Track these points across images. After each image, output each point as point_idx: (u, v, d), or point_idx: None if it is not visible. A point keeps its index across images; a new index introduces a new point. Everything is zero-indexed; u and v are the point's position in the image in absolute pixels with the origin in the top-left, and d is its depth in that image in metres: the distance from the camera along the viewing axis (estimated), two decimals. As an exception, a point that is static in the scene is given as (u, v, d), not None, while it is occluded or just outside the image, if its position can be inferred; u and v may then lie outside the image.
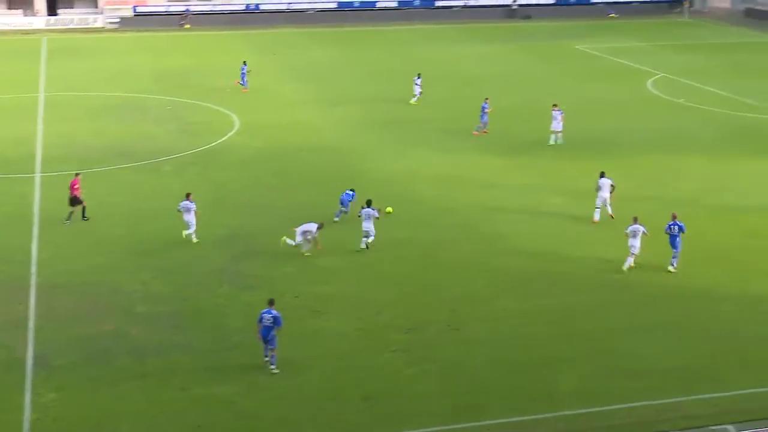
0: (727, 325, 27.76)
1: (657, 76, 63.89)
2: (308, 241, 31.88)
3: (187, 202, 33.74)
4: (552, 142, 46.05)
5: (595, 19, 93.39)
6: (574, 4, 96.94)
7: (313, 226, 31.83)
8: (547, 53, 73.95)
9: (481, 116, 48.28)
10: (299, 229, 31.88)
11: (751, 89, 59.45)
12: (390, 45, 78.06)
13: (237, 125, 50.28)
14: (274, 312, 24.87)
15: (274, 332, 24.77)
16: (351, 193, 35.73)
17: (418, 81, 55.81)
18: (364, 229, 32.73)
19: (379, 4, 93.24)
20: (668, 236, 31.28)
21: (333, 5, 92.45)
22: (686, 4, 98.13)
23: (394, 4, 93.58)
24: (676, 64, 68.43)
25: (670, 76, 64.16)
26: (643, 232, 31.22)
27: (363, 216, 32.80)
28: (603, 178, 35.98)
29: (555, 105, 46.79)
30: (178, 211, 33.76)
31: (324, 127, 50.31)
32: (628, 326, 27.63)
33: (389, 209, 35.97)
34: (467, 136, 47.95)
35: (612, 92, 58.61)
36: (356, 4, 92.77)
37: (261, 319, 24.94)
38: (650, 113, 53.47)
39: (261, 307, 25.65)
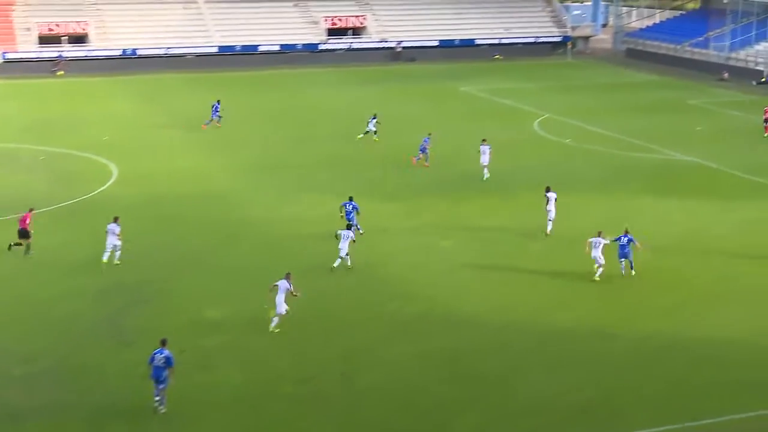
0: (621, 363, 28.49)
1: (543, 117, 65.56)
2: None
3: (114, 225, 35.84)
4: (486, 176, 47.89)
5: (480, 61, 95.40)
6: (458, 47, 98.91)
7: (285, 284, 30.07)
8: (433, 95, 75.23)
9: (422, 148, 50.50)
10: (279, 301, 29.85)
11: (634, 128, 61.50)
12: (274, 89, 78.29)
13: (115, 174, 49.60)
14: (166, 352, 25.22)
15: (166, 372, 24.96)
16: (353, 203, 38.63)
17: (373, 121, 57.08)
18: (339, 247, 34.76)
19: (261, 48, 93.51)
20: (618, 247, 34.70)
21: (213, 50, 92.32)
22: (569, 46, 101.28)
23: (277, 48, 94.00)
24: (562, 105, 70.38)
25: (556, 117, 65.92)
26: (605, 244, 34.54)
27: (341, 237, 34.83)
28: (549, 192, 39.72)
29: (484, 140, 48.82)
30: (106, 232, 35.70)
31: (207, 173, 50.03)
32: (523, 366, 28.12)
33: (361, 232, 38.38)
34: (356, 179, 48.31)
35: (499, 133, 59.77)
36: (237, 48, 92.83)
37: (152, 360, 25.15)
38: (538, 153, 54.79)
39: (144, 362, 25.42)
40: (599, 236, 34.76)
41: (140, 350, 27.51)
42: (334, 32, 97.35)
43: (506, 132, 60.37)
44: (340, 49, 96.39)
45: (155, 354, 25.29)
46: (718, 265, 36.39)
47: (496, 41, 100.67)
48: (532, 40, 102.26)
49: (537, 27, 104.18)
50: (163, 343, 25.53)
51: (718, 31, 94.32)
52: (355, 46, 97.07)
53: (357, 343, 29.56)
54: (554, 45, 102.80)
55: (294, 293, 30.18)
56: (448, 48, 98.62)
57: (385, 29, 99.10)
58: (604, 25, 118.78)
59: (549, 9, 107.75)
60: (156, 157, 53.64)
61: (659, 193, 46.21)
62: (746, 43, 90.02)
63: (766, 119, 60.18)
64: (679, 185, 48.12)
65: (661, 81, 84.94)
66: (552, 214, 39.48)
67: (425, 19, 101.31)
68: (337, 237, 35.37)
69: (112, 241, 35.68)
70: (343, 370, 27.83)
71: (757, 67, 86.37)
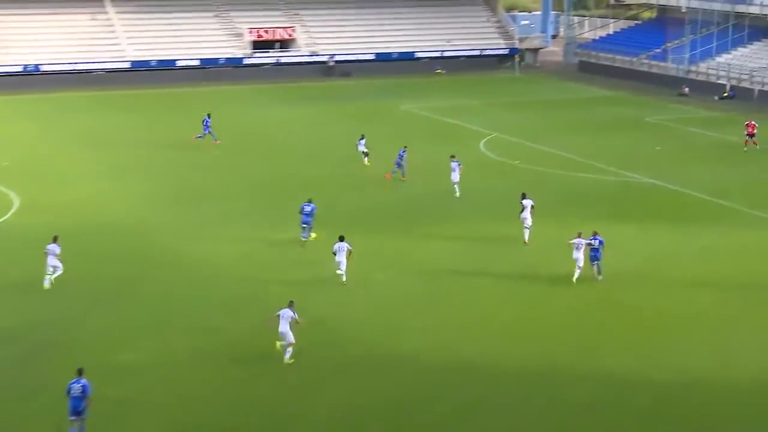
0: (579, 403, 28.39)
1: (490, 137, 65.93)
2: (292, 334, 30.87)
3: (54, 245, 37.11)
4: (457, 193, 49.89)
5: (421, 75, 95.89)
6: (396, 60, 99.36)
7: (288, 313, 30.81)
8: (371, 114, 75.29)
9: (397, 162, 53.14)
10: (284, 330, 30.55)
11: (589, 148, 62.07)
12: (193, 109, 77.63)
13: (16, 204, 48.80)
14: (83, 381, 25.92)
15: (84, 403, 25.50)
16: (311, 205, 42.14)
17: (362, 141, 57.45)
18: (337, 260, 37.26)
19: (179, 63, 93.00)
20: (590, 250, 37.67)
21: (126, 65, 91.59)
22: (517, 59, 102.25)
23: (196, 63, 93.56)
24: (510, 123, 70.88)
25: (504, 136, 66.32)
26: (586, 244, 37.66)
27: (336, 250, 37.35)
28: (525, 200, 42.74)
29: (452, 156, 51.23)
30: (45, 252, 36.90)
31: (119, 202, 49.41)
32: (469, 412, 27.96)
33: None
34: (282, 207, 48.07)
35: (443, 155, 59.94)
36: (153, 64, 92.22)
37: (69, 390, 25.65)
38: (486, 176, 54.97)
39: (45, 417, 24.87)
40: (579, 237, 37.76)
41: (44, 403, 26.91)
42: (259, 45, 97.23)
43: (451, 154, 60.52)
44: (267, 64, 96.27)
45: (72, 384, 25.78)
46: (681, 296, 36.73)
47: (437, 54, 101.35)
48: (476, 52, 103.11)
49: (482, 39, 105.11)
50: (80, 372, 26.10)
51: (676, 42, 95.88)
52: (283, 60, 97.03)
53: (279, 393, 29.16)
54: (501, 58, 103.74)
55: (298, 321, 30.77)
56: (386, 62, 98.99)
57: (316, 42, 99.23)
58: (555, 36, 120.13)
59: (494, 19, 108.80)
60: (62, 184, 52.89)
61: (617, 218, 46.54)
62: (707, 55, 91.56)
63: (748, 134, 62.18)
64: (637, 209, 48.59)
65: (617, 96, 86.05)
66: (528, 222, 42.46)
67: (360, 31, 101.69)
68: (334, 252, 37.45)
69: (52, 262, 36.82)
70: (265, 424, 27.45)
71: (719, 81, 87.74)
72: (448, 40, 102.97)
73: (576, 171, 56.37)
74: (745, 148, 61.57)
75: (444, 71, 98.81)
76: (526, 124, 71.21)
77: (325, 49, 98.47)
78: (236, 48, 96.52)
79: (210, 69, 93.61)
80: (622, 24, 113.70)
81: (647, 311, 35.26)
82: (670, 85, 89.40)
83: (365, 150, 57.22)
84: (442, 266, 39.58)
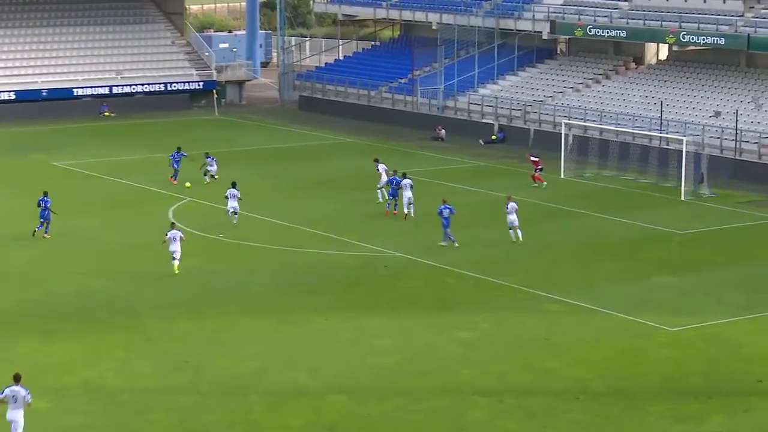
0: None
1: (181, 202, 65.49)
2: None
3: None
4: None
5: (82, 120, 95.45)
6: (47, 100, 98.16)
7: (177, 234, 50.51)
8: (9, 175, 74.31)
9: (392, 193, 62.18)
10: (176, 248, 50.31)
11: (316, 213, 63.00)
12: None
13: None
14: None
15: None
16: (46, 199, 56.60)
17: (211, 159, 71.95)
18: (230, 207, 59.44)
19: None
20: (441, 218, 55.20)
21: None
22: (215, 95, 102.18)
23: None
24: (207, 184, 70.65)
25: (201, 201, 65.99)
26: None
27: (228, 196, 59.40)
28: (405, 179, 61.51)
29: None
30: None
31: None
32: None
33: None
34: None
35: (118, 232, 59.16)
36: None
37: None
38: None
39: None
40: (510, 201, 56.43)
41: None
42: None
43: (128, 228, 59.84)
44: None
45: None
46: (450, 409, 36.89)
47: (105, 91, 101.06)
48: (158, 87, 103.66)
49: (166, 69, 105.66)
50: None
51: (426, 69, 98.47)
52: None
53: None
54: (193, 94, 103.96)
55: (183, 238, 50.56)
56: (31, 102, 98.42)
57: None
58: (266, 64, 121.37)
59: (182, 42, 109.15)
60: None
61: (361, 307, 47.11)
62: (467, 86, 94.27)
63: (538, 168, 70.88)
64: (387, 293, 49.06)
65: (351, 143, 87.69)
66: (408, 199, 61.02)
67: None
68: (226, 197, 59.21)
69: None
70: None
71: (485, 120, 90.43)
72: (119, 72, 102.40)
73: (303, 245, 56.78)
74: (545, 184, 70.22)
75: (114, 113, 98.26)
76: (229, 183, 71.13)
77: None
78: None
79: None
80: (355, 46, 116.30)
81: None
82: (421, 125, 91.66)
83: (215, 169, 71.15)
84: (122, 384, 38.67)
